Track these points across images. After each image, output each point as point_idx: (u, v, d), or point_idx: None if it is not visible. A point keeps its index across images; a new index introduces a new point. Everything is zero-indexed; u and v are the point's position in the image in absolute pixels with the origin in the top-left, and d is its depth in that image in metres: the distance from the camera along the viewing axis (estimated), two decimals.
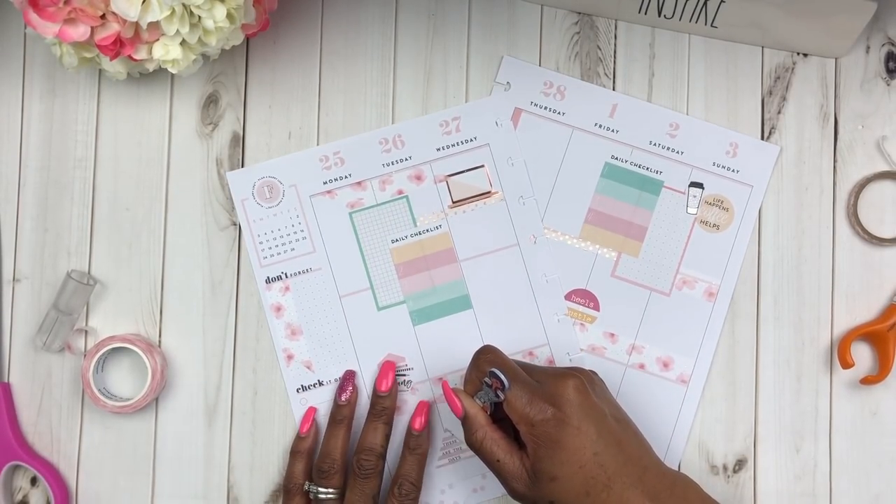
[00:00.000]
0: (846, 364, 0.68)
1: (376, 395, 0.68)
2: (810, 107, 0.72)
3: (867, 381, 0.69)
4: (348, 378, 0.69)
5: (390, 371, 0.68)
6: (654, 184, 0.71)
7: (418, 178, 0.70)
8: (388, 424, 0.68)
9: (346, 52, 0.72)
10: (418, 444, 0.67)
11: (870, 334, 0.69)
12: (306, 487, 0.67)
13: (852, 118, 0.72)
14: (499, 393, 0.60)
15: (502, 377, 0.60)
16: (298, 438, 0.68)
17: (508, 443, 0.61)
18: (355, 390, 0.69)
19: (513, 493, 0.61)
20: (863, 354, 0.70)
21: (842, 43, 0.70)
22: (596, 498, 0.58)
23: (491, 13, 0.72)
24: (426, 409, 0.68)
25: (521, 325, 0.70)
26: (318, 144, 0.71)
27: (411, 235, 0.70)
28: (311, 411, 0.69)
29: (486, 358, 0.62)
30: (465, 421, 0.62)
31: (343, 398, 0.68)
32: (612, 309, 0.70)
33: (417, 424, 0.67)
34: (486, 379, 0.61)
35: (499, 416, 0.62)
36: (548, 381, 0.60)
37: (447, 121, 0.71)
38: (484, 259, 0.70)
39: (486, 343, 0.68)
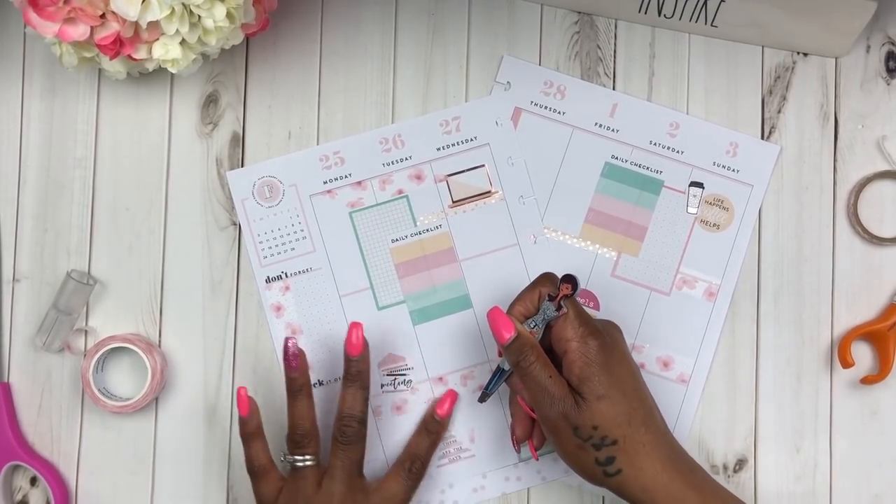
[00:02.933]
0: (846, 364, 0.68)
1: (348, 360, 0.66)
2: (810, 106, 0.72)
3: (867, 380, 0.69)
4: (289, 348, 0.66)
5: (356, 330, 0.66)
6: (654, 183, 0.71)
7: (418, 177, 0.70)
8: (366, 388, 0.66)
9: (346, 52, 0.72)
10: (438, 428, 0.67)
11: (870, 334, 0.69)
12: (282, 458, 0.66)
13: (852, 118, 0.72)
14: (562, 304, 0.61)
15: (577, 280, 0.61)
16: (243, 422, 0.66)
17: (553, 367, 0.61)
18: (301, 356, 0.66)
19: (554, 416, 0.60)
20: (863, 354, 0.70)
21: (842, 43, 0.70)
22: (635, 430, 0.59)
23: (491, 13, 0.72)
24: (453, 399, 0.67)
25: None
26: (318, 144, 0.71)
27: (411, 235, 0.70)
28: (242, 391, 0.66)
29: (549, 277, 0.63)
30: (515, 343, 0.61)
31: (293, 368, 0.66)
32: (612, 309, 0.70)
33: (442, 411, 0.67)
34: (550, 292, 0.61)
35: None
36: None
37: (447, 120, 0.71)
38: (484, 259, 0.70)
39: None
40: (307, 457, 0.65)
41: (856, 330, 0.69)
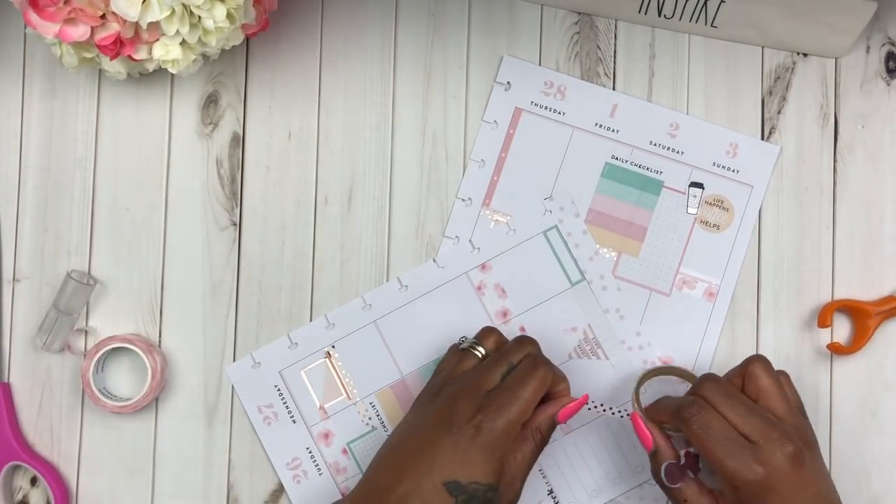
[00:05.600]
0: (823, 324, 0.68)
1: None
2: (810, 107, 0.72)
3: (836, 347, 0.69)
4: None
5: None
6: (655, 184, 0.71)
7: None
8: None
9: (346, 52, 0.72)
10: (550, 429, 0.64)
11: (854, 308, 0.69)
12: (462, 339, 0.65)
13: (852, 118, 0.72)
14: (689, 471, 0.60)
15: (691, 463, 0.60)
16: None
17: (699, 485, 0.60)
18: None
19: None
20: (843, 327, 0.71)
21: (842, 43, 0.70)
22: None
23: (491, 13, 0.72)
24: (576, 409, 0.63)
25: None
26: (318, 145, 0.71)
27: None
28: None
29: (705, 419, 0.58)
30: (655, 455, 0.61)
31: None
32: (612, 309, 0.70)
33: (562, 418, 0.63)
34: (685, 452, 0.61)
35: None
36: (763, 441, 0.57)
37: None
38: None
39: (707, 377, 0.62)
40: (479, 348, 0.63)
41: (844, 301, 0.69)
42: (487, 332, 0.65)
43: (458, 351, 0.64)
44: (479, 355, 0.63)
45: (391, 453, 0.60)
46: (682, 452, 0.61)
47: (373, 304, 0.70)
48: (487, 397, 0.59)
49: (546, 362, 0.61)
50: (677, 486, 0.60)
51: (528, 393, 0.59)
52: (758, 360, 0.61)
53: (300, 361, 0.70)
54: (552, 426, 0.62)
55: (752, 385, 0.61)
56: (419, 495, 0.57)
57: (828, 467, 0.69)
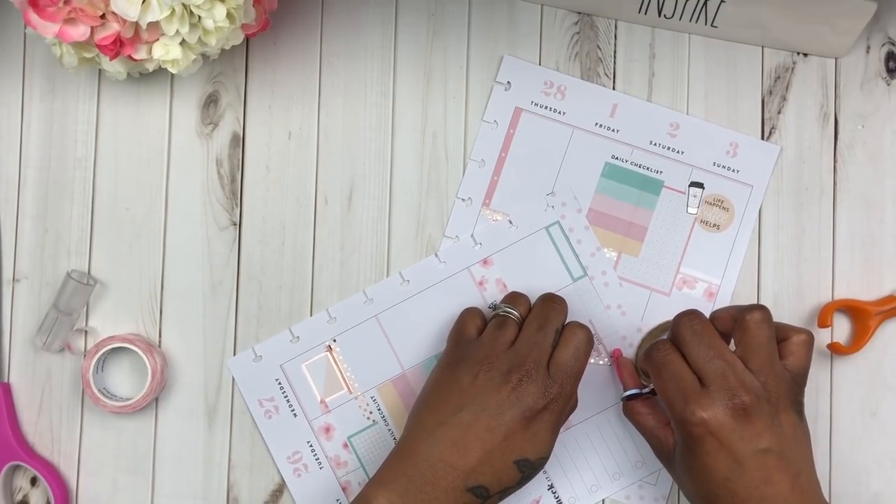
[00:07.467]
0: (823, 324, 0.68)
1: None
2: (810, 107, 0.72)
3: (836, 347, 0.69)
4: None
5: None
6: (655, 183, 0.71)
7: None
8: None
9: (346, 52, 0.72)
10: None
11: (854, 308, 0.69)
12: (491, 305, 0.69)
13: (852, 118, 0.72)
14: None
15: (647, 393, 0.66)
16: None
17: (657, 418, 0.64)
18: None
19: (658, 458, 0.64)
20: (843, 327, 0.71)
21: (842, 43, 0.70)
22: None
23: (491, 13, 0.72)
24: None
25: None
26: (318, 145, 0.71)
27: None
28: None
29: (664, 357, 0.61)
30: (623, 388, 0.67)
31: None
32: (612, 308, 0.70)
33: None
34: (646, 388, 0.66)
35: None
36: (714, 387, 0.58)
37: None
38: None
39: (691, 312, 0.63)
40: (514, 312, 0.65)
41: (844, 301, 0.69)
42: (517, 297, 0.67)
43: (494, 316, 0.65)
44: (517, 319, 0.65)
45: (455, 430, 0.61)
46: (650, 387, 0.66)
47: (374, 299, 0.70)
48: (551, 377, 0.61)
49: (585, 327, 0.64)
50: (630, 400, 0.66)
51: (583, 366, 0.63)
52: (756, 310, 0.61)
53: (301, 355, 0.70)
54: None
55: (739, 333, 0.61)
56: (490, 472, 0.60)
57: (828, 467, 0.69)
